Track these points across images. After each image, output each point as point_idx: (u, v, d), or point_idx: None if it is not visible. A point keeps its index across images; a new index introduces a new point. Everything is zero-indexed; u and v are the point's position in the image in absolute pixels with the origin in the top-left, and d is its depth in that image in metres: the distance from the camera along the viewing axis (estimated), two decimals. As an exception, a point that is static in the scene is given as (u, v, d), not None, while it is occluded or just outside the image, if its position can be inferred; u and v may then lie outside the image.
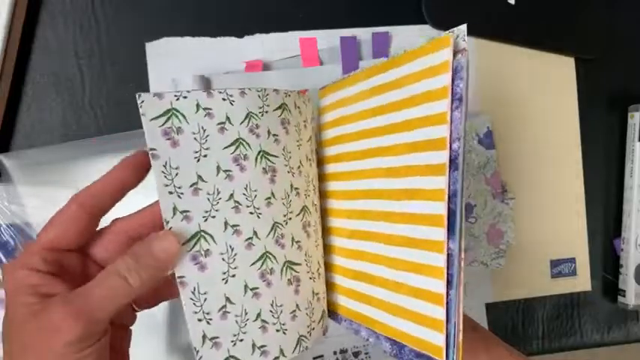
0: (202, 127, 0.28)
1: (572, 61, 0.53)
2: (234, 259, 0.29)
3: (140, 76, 0.48)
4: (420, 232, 0.28)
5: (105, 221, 0.31)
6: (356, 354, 0.50)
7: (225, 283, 0.28)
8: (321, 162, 0.38)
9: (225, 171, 0.29)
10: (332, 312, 0.36)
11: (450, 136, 0.26)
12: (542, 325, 0.53)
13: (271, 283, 0.30)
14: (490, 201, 0.51)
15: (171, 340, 0.46)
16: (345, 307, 0.35)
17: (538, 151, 0.53)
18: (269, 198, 0.30)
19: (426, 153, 0.28)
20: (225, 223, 0.29)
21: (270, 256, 0.30)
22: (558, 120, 0.53)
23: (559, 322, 0.54)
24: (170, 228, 0.27)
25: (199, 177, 0.28)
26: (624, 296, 0.53)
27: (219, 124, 0.29)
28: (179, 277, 0.27)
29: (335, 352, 0.49)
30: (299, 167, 0.32)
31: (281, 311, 0.30)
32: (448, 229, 0.26)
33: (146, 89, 0.47)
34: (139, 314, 0.33)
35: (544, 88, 0.53)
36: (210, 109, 0.29)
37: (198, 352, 0.27)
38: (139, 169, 0.30)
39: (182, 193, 0.28)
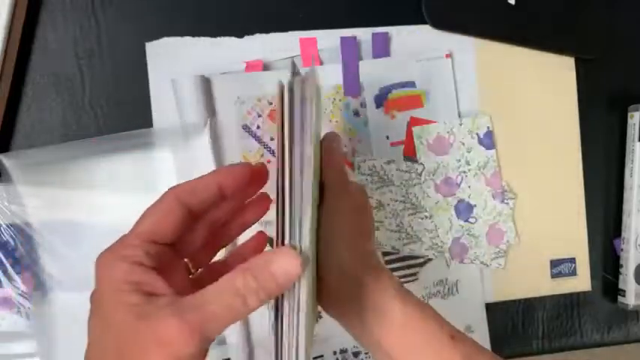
0: None
1: (572, 61, 0.53)
2: None
3: (140, 76, 0.47)
4: None
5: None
6: (356, 354, 0.50)
7: None
8: None
9: None
10: None
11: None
12: (542, 325, 0.53)
13: None
14: (490, 201, 0.51)
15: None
16: None
17: (538, 151, 0.53)
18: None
19: None
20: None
21: None
22: (558, 120, 0.53)
23: (559, 322, 0.54)
24: (289, 244, 0.26)
25: None
26: (624, 296, 0.53)
27: None
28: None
29: (335, 352, 0.49)
30: None
31: None
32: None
33: (146, 89, 0.47)
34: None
35: (544, 88, 0.53)
36: None
37: None
38: (238, 181, 0.29)
39: None
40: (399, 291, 0.33)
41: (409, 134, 0.51)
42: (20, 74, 0.46)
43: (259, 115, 0.48)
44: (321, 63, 0.50)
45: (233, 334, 0.46)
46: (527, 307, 0.53)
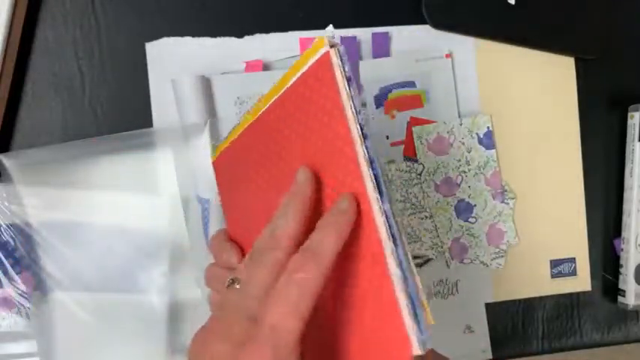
0: None
1: (572, 61, 0.53)
2: None
3: (140, 76, 0.48)
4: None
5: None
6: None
7: None
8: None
9: None
10: None
11: (355, 109, 0.27)
12: (542, 325, 0.53)
13: None
14: (490, 201, 0.51)
15: (171, 340, 0.46)
16: None
17: (538, 151, 0.53)
18: None
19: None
20: None
21: None
22: (558, 120, 0.53)
23: (559, 322, 0.54)
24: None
25: None
26: (624, 296, 0.53)
27: None
28: None
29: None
30: None
31: None
32: (380, 193, 0.26)
33: (146, 89, 0.47)
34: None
35: (544, 88, 0.53)
36: None
37: None
38: None
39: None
40: None
41: (409, 134, 0.51)
42: (20, 74, 0.46)
43: (259, 115, 0.48)
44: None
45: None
46: (527, 307, 0.53)
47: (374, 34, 0.50)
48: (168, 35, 0.48)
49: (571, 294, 0.54)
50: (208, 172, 0.45)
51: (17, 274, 0.45)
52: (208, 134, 0.47)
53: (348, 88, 0.27)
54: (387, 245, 0.25)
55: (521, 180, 0.52)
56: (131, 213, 0.46)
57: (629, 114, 0.54)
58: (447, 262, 0.51)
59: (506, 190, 0.52)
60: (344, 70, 0.27)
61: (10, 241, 0.44)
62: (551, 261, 0.53)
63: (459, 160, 0.51)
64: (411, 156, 0.51)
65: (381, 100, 0.50)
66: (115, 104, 0.47)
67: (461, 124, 0.51)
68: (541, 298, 0.53)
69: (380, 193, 0.26)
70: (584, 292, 0.54)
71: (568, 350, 0.54)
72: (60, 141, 0.46)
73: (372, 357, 0.26)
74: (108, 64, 0.47)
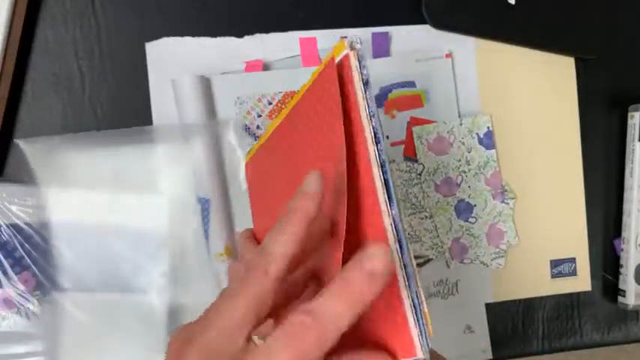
0: None
1: (572, 61, 0.53)
2: None
3: (140, 76, 0.48)
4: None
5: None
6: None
7: None
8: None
9: None
10: None
11: (369, 112, 0.27)
12: (542, 325, 0.53)
13: None
14: (490, 201, 0.51)
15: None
16: None
17: (538, 151, 0.53)
18: None
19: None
20: None
21: None
22: (558, 120, 0.53)
23: (559, 322, 0.54)
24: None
25: None
26: (624, 296, 0.53)
27: None
28: None
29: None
30: None
31: None
32: (389, 198, 0.26)
33: (146, 89, 0.47)
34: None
35: (544, 88, 0.53)
36: None
37: None
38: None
39: None
40: None
41: (409, 134, 0.51)
42: (20, 74, 0.46)
43: (259, 115, 0.48)
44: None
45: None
46: (527, 307, 0.53)
47: (374, 34, 0.50)
48: (168, 35, 0.48)
49: (571, 294, 0.54)
50: (208, 172, 0.45)
51: (17, 274, 0.45)
52: (208, 134, 0.47)
53: (364, 92, 0.27)
54: (394, 249, 0.25)
55: (521, 180, 0.52)
56: (131, 213, 0.46)
57: (629, 114, 0.54)
58: (447, 262, 0.51)
59: (506, 190, 0.52)
60: (361, 73, 0.27)
61: (10, 241, 0.44)
62: (551, 261, 0.53)
63: (459, 160, 0.51)
64: (411, 156, 0.51)
65: (381, 100, 0.50)
66: (115, 104, 0.47)
67: (461, 124, 0.51)
68: (541, 298, 0.53)
69: (389, 197, 0.26)
70: (584, 292, 0.54)
71: (568, 350, 0.54)
72: (60, 141, 0.46)
73: None
74: (108, 64, 0.47)
